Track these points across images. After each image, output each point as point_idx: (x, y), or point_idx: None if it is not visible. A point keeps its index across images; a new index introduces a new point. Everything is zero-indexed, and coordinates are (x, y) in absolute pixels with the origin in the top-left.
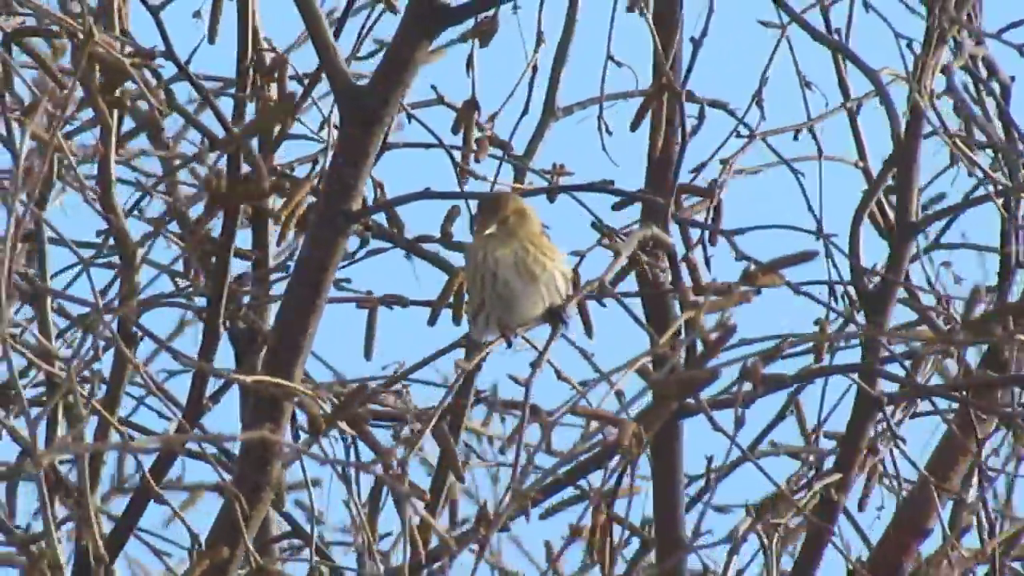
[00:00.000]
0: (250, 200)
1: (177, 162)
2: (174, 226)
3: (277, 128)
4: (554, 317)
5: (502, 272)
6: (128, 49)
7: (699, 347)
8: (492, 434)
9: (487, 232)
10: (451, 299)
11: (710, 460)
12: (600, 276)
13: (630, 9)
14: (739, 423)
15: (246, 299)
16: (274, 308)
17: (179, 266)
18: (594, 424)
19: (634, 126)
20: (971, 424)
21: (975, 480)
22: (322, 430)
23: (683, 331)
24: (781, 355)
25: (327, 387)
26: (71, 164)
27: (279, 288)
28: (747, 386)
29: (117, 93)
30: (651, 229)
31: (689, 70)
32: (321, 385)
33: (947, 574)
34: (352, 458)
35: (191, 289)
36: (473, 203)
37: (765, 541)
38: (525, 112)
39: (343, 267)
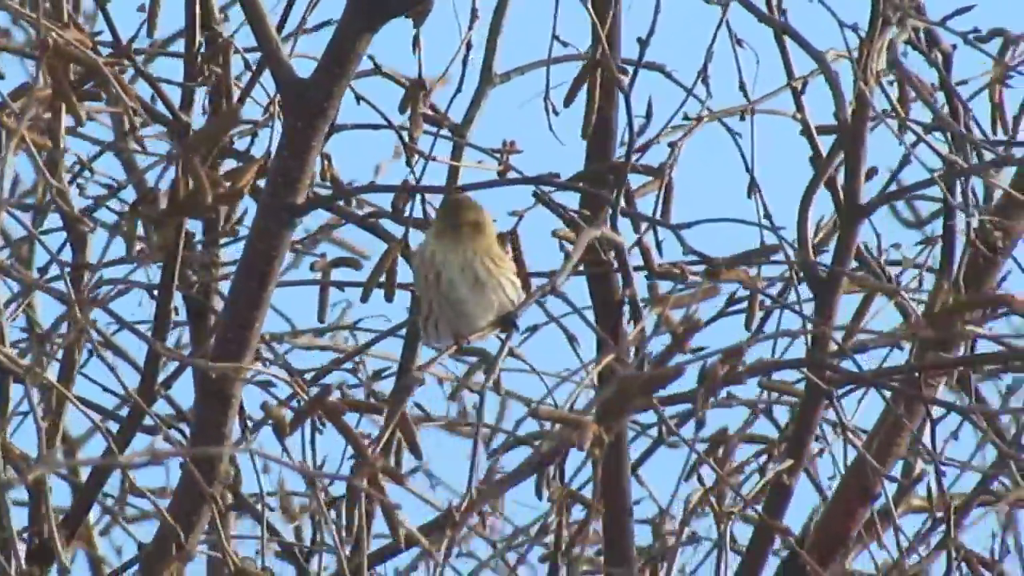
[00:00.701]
0: (195, 215)
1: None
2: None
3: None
4: (506, 323)
5: (447, 273)
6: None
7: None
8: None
9: (435, 235)
10: (382, 277)
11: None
12: (551, 279)
13: None
14: (700, 424)
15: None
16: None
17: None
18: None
19: (567, 101)
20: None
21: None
22: (288, 433)
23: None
24: (742, 356)
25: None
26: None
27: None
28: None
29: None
30: (600, 229)
31: (645, 45)
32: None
33: None
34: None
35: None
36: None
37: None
38: (459, 90)
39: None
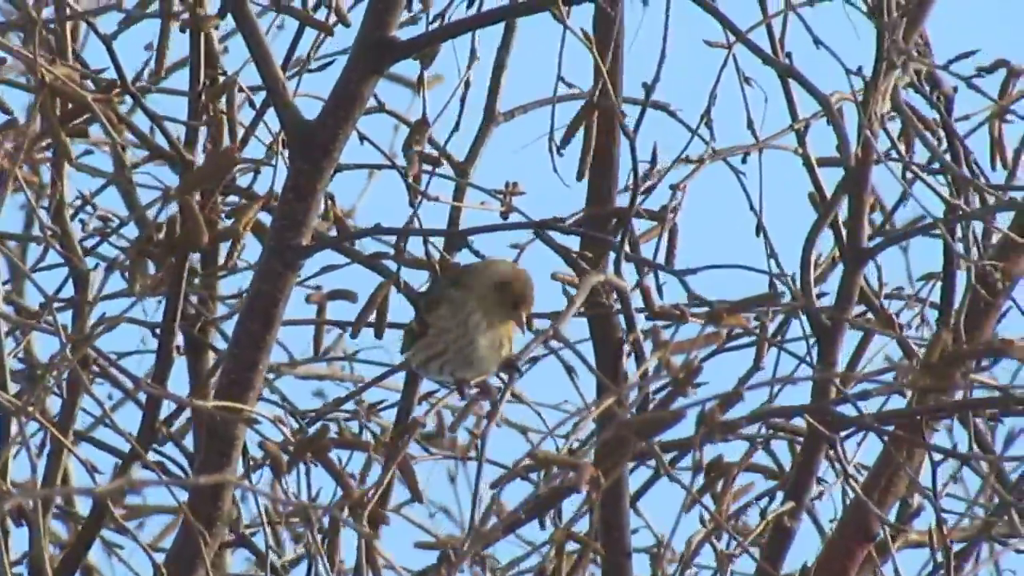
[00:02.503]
0: (190, 250)
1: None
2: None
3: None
4: (509, 368)
5: (479, 339)
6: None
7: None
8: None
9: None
10: (372, 315)
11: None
12: (553, 324)
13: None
14: (698, 468)
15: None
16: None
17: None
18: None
19: (564, 142)
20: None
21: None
22: (285, 472)
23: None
24: (739, 400)
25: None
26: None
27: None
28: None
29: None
30: (604, 274)
31: (651, 90)
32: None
33: None
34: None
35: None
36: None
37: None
38: (456, 128)
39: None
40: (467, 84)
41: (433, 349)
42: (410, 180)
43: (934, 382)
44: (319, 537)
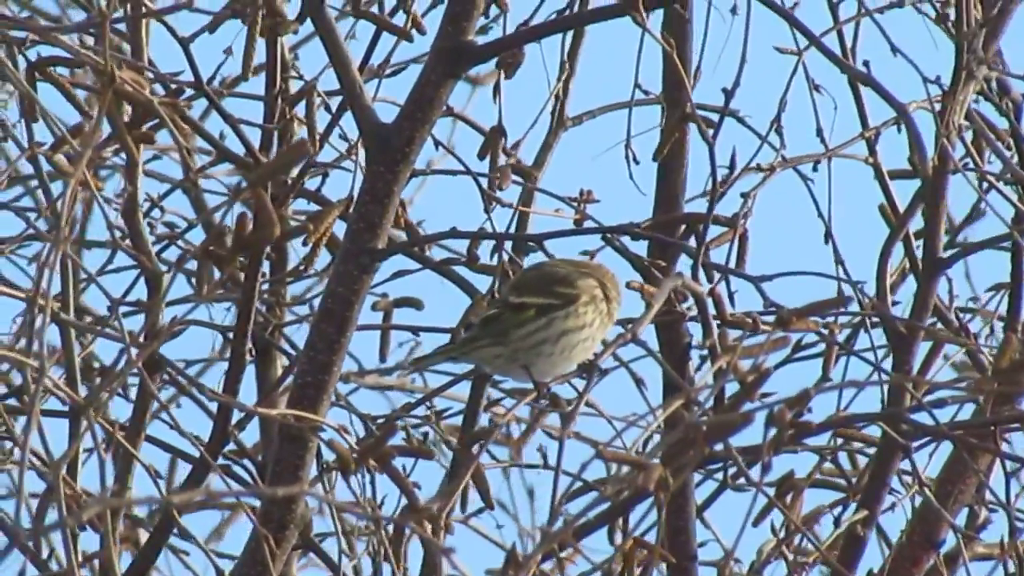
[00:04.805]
0: (260, 246)
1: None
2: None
3: (294, 170)
4: (589, 369)
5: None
6: (154, 83)
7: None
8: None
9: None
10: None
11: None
12: (630, 328)
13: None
14: (765, 469)
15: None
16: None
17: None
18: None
19: (657, 155)
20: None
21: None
22: (351, 469)
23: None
24: (809, 402)
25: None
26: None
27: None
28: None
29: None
30: (681, 278)
31: (730, 96)
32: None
33: None
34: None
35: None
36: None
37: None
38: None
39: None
40: (558, 97)
41: (579, 320)
42: (497, 188)
43: (1005, 387)
44: (385, 544)
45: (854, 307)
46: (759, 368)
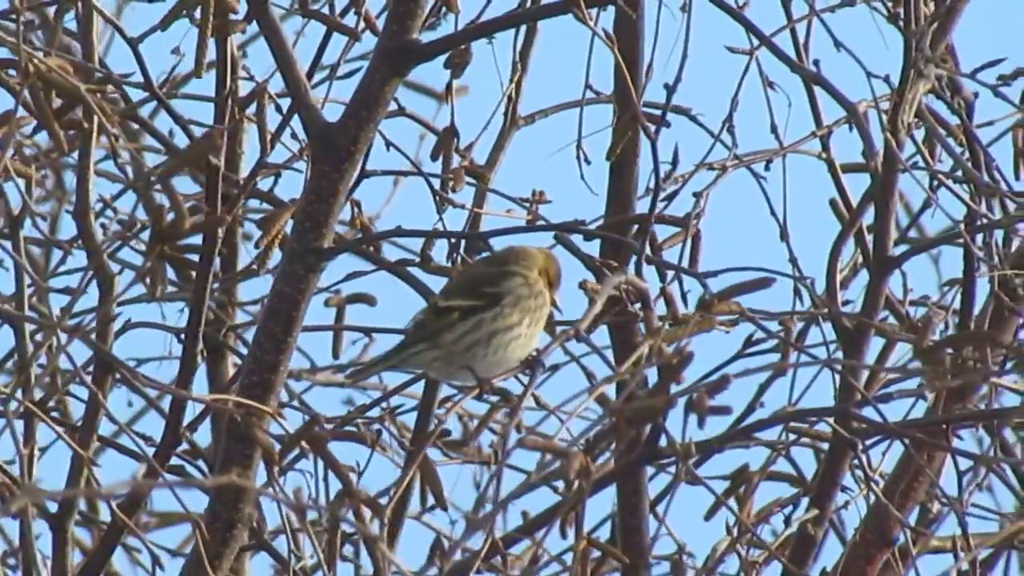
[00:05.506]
0: (174, 239)
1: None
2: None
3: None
4: (532, 365)
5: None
6: (105, 84)
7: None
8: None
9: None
10: None
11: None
12: (575, 323)
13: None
14: (698, 463)
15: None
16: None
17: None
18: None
19: (609, 155)
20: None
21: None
22: (278, 463)
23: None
24: (727, 387)
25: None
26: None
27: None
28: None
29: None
30: (625, 275)
31: (672, 91)
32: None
33: None
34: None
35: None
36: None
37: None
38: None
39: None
40: (510, 98)
41: (507, 320)
42: (451, 190)
43: (926, 365)
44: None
45: (805, 304)
46: (683, 352)
